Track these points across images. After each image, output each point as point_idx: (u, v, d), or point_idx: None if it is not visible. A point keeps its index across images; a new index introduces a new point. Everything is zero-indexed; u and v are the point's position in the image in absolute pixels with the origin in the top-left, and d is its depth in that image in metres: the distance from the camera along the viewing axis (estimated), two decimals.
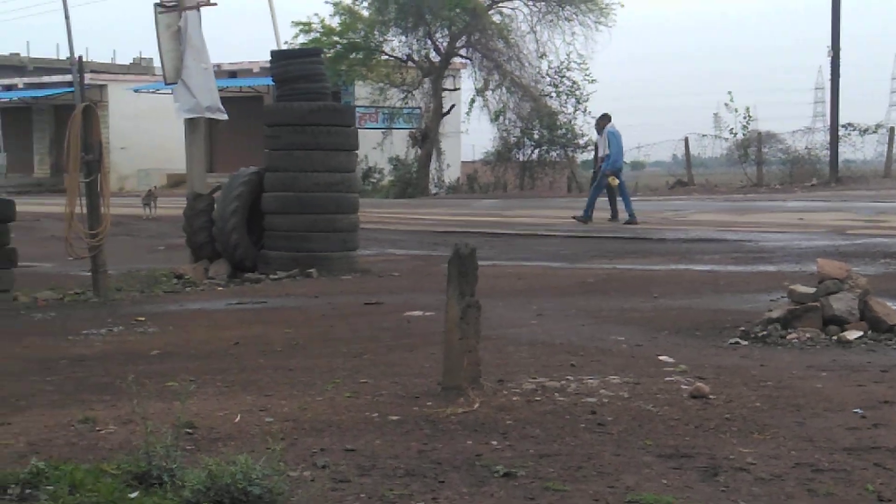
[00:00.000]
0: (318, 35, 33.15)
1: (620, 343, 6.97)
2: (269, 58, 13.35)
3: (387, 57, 34.11)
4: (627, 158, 26.76)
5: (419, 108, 35.04)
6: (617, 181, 19.09)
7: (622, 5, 38.41)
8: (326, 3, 33.50)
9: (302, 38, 32.92)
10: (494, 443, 4.43)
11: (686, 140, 34.69)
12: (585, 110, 34.26)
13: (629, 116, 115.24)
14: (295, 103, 12.39)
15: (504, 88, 34.26)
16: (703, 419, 4.79)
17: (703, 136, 34.69)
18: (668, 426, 4.68)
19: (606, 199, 19.48)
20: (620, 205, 19.15)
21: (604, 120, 20.31)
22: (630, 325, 7.73)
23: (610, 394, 5.28)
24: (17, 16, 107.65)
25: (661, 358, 6.33)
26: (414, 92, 34.53)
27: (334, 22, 33.42)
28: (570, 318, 8.17)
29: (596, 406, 5.03)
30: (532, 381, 5.58)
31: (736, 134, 32.88)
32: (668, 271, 11.57)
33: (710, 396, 5.19)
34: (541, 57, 34.27)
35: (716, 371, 5.90)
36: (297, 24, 33.29)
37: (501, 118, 34.70)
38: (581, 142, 34.77)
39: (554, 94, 34.63)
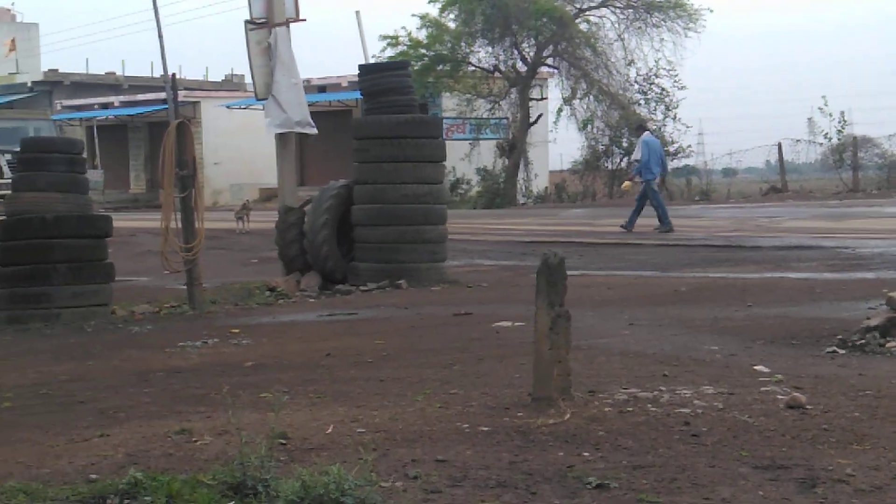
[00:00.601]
0: (405, 48, 33.39)
1: (714, 353, 6.86)
2: (357, 72, 13.48)
3: (473, 68, 34.18)
4: (719, 165, 26.54)
5: (506, 118, 35.02)
6: (630, 186, 19.21)
7: (711, 11, 37.85)
8: (413, 16, 33.85)
9: (389, 52, 33.20)
10: (586, 454, 4.39)
11: (779, 145, 34.05)
12: (675, 117, 33.93)
13: (720, 123, 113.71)
14: (383, 116, 12.49)
15: (592, 97, 34.06)
16: (800, 430, 4.69)
17: (797, 141, 34.02)
18: (764, 437, 4.59)
19: (648, 206, 19.41)
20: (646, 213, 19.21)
21: (640, 129, 21.15)
22: (724, 335, 7.61)
23: (704, 404, 5.20)
24: (113, 35, 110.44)
25: (756, 367, 6.22)
26: (501, 102, 34.53)
27: (421, 35, 33.63)
28: (663, 328, 8.07)
29: (690, 417, 4.96)
30: (624, 391, 5.52)
31: (831, 139, 32.21)
32: (763, 279, 11.37)
33: (807, 406, 5.08)
34: (629, 64, 34.04)
35: (813, 380, 5.77)
36: (385, 37, 33.62)
37: (589, 127, 34.49)
38: (671, 149, 34.38)
39: (643, 102, 34.34)
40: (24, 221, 10.42)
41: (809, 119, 34.44)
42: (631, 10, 33.81)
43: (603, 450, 4.44)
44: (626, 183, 19.01)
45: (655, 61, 33.80)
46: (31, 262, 10.26)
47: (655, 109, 34.20)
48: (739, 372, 6.12)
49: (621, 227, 18.75)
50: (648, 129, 20.93)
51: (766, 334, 7.54)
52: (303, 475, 3.67)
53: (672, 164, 35.75)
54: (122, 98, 43.30)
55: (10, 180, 29.35)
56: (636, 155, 19.89)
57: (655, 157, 19.53)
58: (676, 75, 33.76)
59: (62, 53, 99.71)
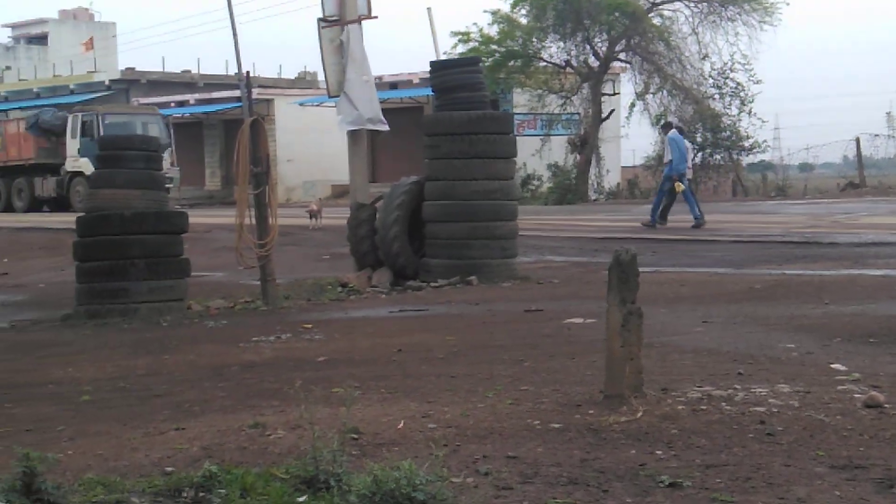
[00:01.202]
0: (476, 44, 33.35)
1: (790, 351, 6.76)
2: (428, 68, 13.51)
3: (545, 63, 34.05)
4: (795, 160, 26.22)
5: (578, 113, 34.82)
6: (682, 186, 19.22)
7: (787, 3, 37.17)
8: (485, 12, 33.72)
9: (461, 48, 33.18)
10: (659, 452, 4.35)
11: (857, 140, 33.44)
12: (751, 112, 33.45)
13: (796, 117, 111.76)
14: (454, 112, 12.50)
15: (665, 91, 33.71)
16: (877, 429, 4.60)
17: (876, 135, 33.39)
18: (840, 436, 4.52)
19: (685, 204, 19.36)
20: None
21: (667, 127, 21.76)
22: (800, 332, 7.49)
23: (779, 403, 5.12)
24: (189, 34, 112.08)
25: (833, 366, 6.12)
26: (572, 98, 34.34)
27: (493, 30, 33.57)
28: (737, 326, 7.97)
29: (765, 416, 4.89)
30: (697, 389, 5.46)
31: None
32: (840, 276, 11.16)
33: (886, 405, 4.98)
34: (703, 58, 33.61)
35: (891, 379, 5.66)
36: (456, 34, 33.61)
37: (663, 122, 34.18)
38: (746, 144, 33.94)
39: (717, 96, 33.91)
40: (102, 218, 10.61)
41: (888, 113, 33.79)
42: (705, 4, 33.38)
43: (676, 448, 4.40)
44: (677, 184, 19.16)
45: (730, 55, 33.38)
46: (109, 258, 10.44)
47: (730, 104, 33.77)
48: (816, 370, 6.02)
49: (694, 225, 18.65)
50: (675, 127, 21.27)
51: (843, 332, 7.41)
52: (374, 470, 3.69)
53: (747, 160, 35.31)
54: (197, 96, 43.90)
55: None
56: (668, 155, 20.14)
57: (682, 154, 19.79)
58: (752, 69, 33.29)
59: (139, 52, 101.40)
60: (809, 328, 7.69)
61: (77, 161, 32.87)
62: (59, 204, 33.89)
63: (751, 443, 4.46)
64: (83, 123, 32.96)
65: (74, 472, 4.34)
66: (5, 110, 47.95)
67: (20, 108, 45.84)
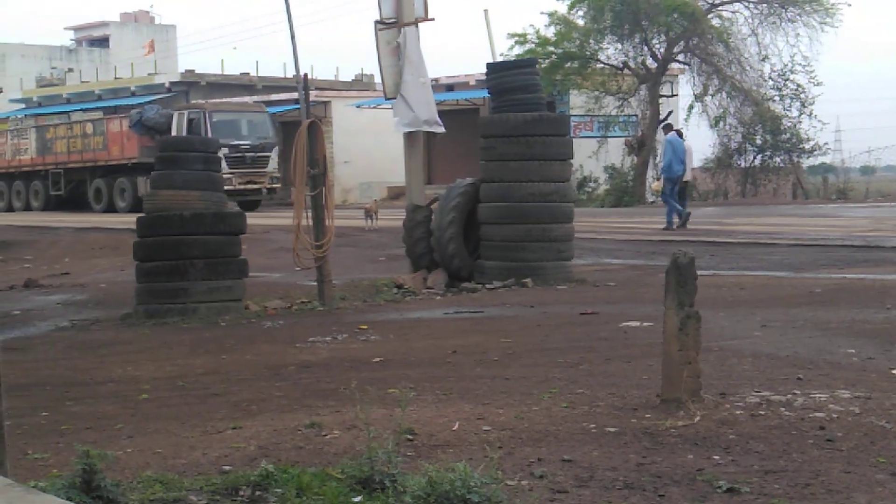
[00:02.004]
0: (533, 46, 33.29)
1: (851, 356, 6.66)
2: (485, 70, 13.50)
3: (602, 65, 33.90)
4: (857, 163, 25.96)
5: (635, 115, 34.61)
6: (659, 187, 19.47)
7: (849, 4, 36.60)
8: (542, 13, 33.67)
9: (517, 50, 33.14)
10: (716, 457, 4.31)
11: None
12: (811, 114, 33.05)
13: (857, 119, 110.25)
14: (510, 114, 12.48)
15: (724, 93, 33.42)
16: None
17: None
18: None
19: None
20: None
21: (667, 128, 22.42)
22: (861, 338, 7.37)
23: (839, 409, 5.05)
24: (249, 37, 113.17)
25: (894, 371, 6.02)
26: (630, 99, 34.15)
27: (549, 32, 33.50)
28: (797, 330, 7.86)
29: (824, 421, 4.82)
30: (756, 394, 5.40)
31: None
32: None
33: None
34: (763, 60, 33.28)
35: None
36: (513, 35, 33.57)
37: (721, 123, 33.87)
38: (807, 146, 33.52)
39: (777, 98, 33.54)
40: (162, 218, 10.74)
41: None
42: (765, 5, 33.03)
43: (734, 453, 4.36)
44: (655, 184, 19.51)
45: (791, 56, 33.00)
46: (168, 258, 10.56)
47: (790, 106, 33.40)
48: (877, 376, 5.93)
49: (664, 227, 18.98)
50: (675, 130, 21.64)
51: None
52: (429, 471, 3.70)
53: (807, 163, 34.87)
54: (255, 98, 44.30)
55: (230, 174, 27.14)
56: (660, 156, 20.52)
57: (678, 156, 19.96)
58: (812, 71, 32.89)
59: (199, 55, 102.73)
60: (870, 333, 7.57)
61: None
62: None
63: (810, 449, 4.40)
64: (189, 121, 31.54)
65: (133, 469, 4.40)
66: (67, 112, 48.70)
67: (82, 110, 46.52)
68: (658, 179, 19.86)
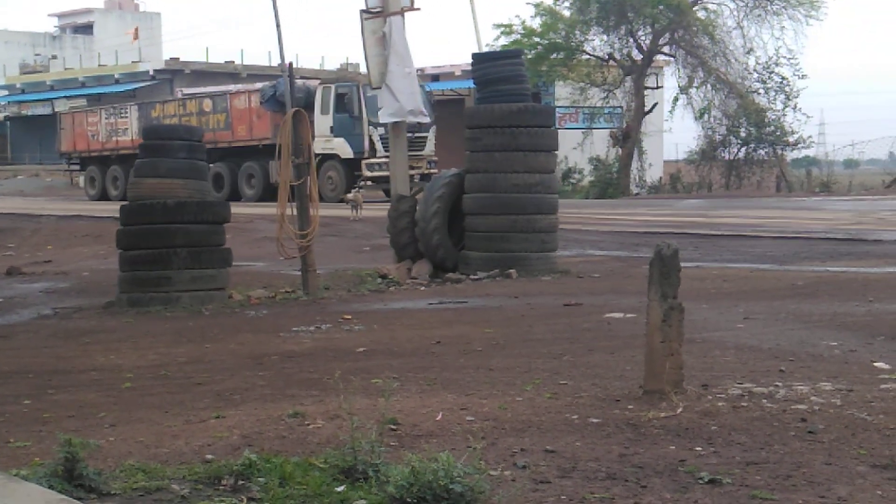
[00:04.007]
0: (519, 36, 33.28)
1: (833, 348, 6.69)
2: (470, 61, 13.49)
3: (588, 56, 33.93)
4: (840, 156, 26.04)
5: (620, 107, 34.68)
6: None
7: None
8: (528, 4, 33.64)
9: (503, 40, 33.14)
10: (699, 449, 4.33)
11: None
12: (796, 107, 33.18)
13: (841, 112, 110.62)
14: (495, 105, 12.47)
15: (709, 86, 33.51)
16: None
17: None
18: (883, 435, 4.47)
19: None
20: None
21: None
22: (843, 330, 7.41)
23: (821, 401, 5.07)
24: (233, 25, 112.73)
25: (876, 364, 6.05)
26: (615, 91, 34.21)
27: (535, 23, 33.49)
28: (779, 323, 7.90)
29: (806, 413, 4.85)
30: (738, 386, 5.42)
31: None
32: (885, 274, 11.03)
33: None
34: (748, 53, 33.38)
35: None
36: (499, 26, 33.58)
37: (706, 116, 33.96)
38: (791, 139, 33.64)
39: (762, 91, 33.64)
40: (145, 207, 10.69)
41: None
42: None
43: (716, 445, 4.38)
44: None
45: (776, 49, 33.10)
46: (152, 247, 10.52)
47: (775, 99, 33.51)
48: (859, 368, 5.96)
49: None
50: None
51: (887, 330, 7.32)
52: (412, 461, 3.70)
53: (791, 155, 35.01)
54: (240, 86, 44.15)
55: (386, 158, 22.03)
56: None
57: None
58: (797, 64, 33.00)
59: (183, 42, 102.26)
60: (853, 326, 7.61)
61: (330, 141, 27.11)
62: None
63: (792, 440, 4.42)
64: (339, 96, 27.43)
65: (115, 458, 4.39)
66: (51, 99, 48.42)
67: (66, 97, 46.26)
68: None
